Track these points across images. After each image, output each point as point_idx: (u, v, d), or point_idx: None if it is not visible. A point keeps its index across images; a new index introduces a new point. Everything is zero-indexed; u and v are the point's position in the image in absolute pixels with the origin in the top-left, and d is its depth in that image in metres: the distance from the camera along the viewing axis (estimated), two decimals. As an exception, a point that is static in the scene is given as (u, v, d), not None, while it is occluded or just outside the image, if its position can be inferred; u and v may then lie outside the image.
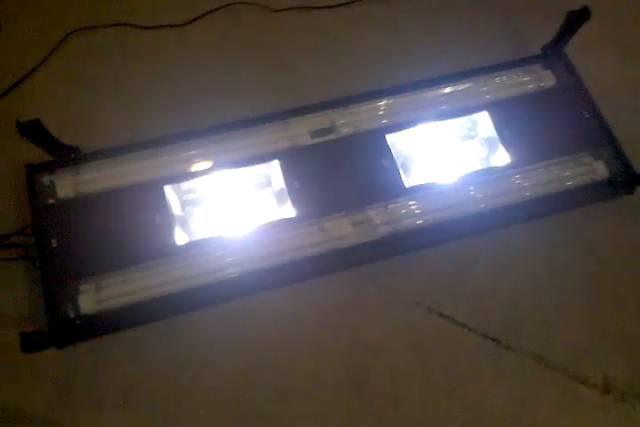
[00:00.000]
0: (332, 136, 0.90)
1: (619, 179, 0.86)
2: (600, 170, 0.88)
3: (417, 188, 0.87)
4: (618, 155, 0.89)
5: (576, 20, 0.89)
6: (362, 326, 0.85)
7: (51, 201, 0.84)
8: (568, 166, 0.89)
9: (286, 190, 0.86)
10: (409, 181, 0.91)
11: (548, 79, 0.94)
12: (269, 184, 0.92)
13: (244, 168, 0.89)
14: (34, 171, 0.85)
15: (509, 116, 0.92)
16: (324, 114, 0.92)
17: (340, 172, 0.88)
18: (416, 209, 0.86)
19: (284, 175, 0.87)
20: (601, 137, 0.90)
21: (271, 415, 0.79)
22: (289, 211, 0.86)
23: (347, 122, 0.91)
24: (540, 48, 0.98)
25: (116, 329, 0.81)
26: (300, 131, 0.90)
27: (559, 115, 0.93)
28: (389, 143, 0.90)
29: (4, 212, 0.89)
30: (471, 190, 0.87)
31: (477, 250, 0.90)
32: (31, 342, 0.73)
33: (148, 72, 1.03)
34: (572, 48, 0.96)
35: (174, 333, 0.83)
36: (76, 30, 1.05)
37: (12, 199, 0.90)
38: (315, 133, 0.90)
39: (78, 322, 0.78)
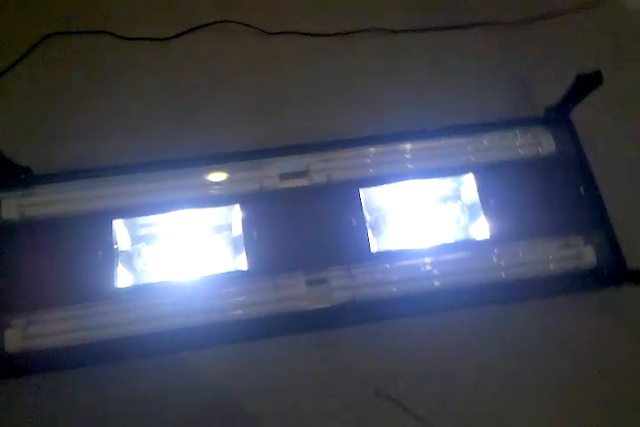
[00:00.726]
0: (303, 181, 0.84)
1: (605, 271, 0.78)
2: (588, 257, 0.79)
3: (385, 254, 0.80)
4: (610, 242, 0.80)
5: (586, 84, 0.81)
6: (301, 397, 0.79)
7: (-10, 225, 0.79)
8: (553, 247, 0.80)
9: (243, 240, 0.80)
10: (378, 244, 0.84)
11: (547, 145, 0.86)
12: (229, 228, 0.86)
13: (203, 209, 0.83)
14: (-23, 190, 0.80)
15: (497, 182, 0.84)
16: (298, 157, 0.85)
17: (305, 224, 0.81)
18: (381, 277, 0.78)
19: (243, 222, 0.81)
20: (595, 219, 0.82)
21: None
22: (242, 263, 0.80)
23: (321, 169, 0.84)
24: (544, 110, 0.90)
25: (37, 371, 0.76)
26: (270, 172, 0.84)
27: (553, 187, 0.84)
28: (363, 199, 0.83)
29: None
30: (444, 263, 0.80)
31: (440, 329, 0.82)
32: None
33: (122, 88, 0.96)
34: (580, 114, 0.88)
35: (96, 383, 0.78)
36: (54, 33, 0.98)
37: None
38: (284, 176, 0.84)
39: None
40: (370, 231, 0.81)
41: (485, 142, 0.86)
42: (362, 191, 0.83)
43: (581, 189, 0.84)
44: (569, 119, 0.88)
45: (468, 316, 0.82)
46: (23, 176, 0.81)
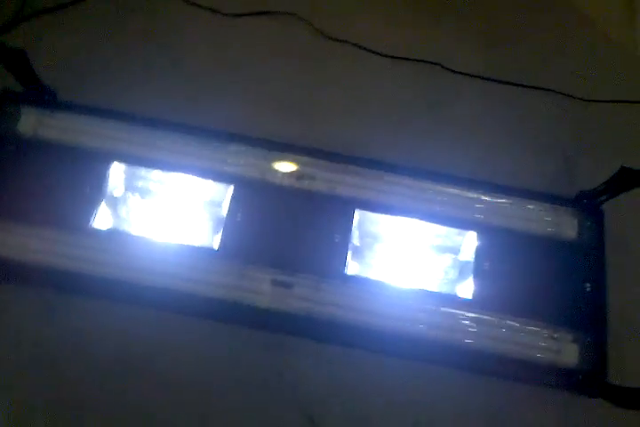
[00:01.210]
0: (305, 184, 0.82)
1: (580, 376, 0.71)
2: (569, 355, 0.72)
3: (357, 279, 0.77)
4: (599, 349, 0.73)
5: (628, 179, 0.75)
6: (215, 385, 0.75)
7: (6, 131, 0.82)
8: (534, 334, 0.74)
9: (224, 220, 0.79)
10: (357, 268, 0.81)
11: (568, 229, 0.81)
12: (219, 206, 0.85)
13: (202, 179, 0.83)
14: (7, 97, 0.83)
15: (500, 250, 0.80)
16: (310, 161, 0.84)
17: (291, 225, 0.79)
18: (346, 301, 0.74)
19: (230, 203, 0.80)
20: (591, 320, 0.75)
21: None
22: (215, 241, 0.78)
23: (327, 178, 0.82)
24: (577, 193, 0.84)
25: None
26: (277, 167, 0.83)
27: (558, 274, 0.79)
28: (356, 219, 0.80)
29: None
30: (415, 309, 0.75)
31: (382, 371, 0.78)
32: None
33: (172, 48, 0.99)
34: (621, 211, 0.83)
35: (42, 305, 0.78)
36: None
37: None
38: (290, 175, 0.82)
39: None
40: (350, 253, 0.79)
41: (504, 206, 0.82)
42: (357, 212, 0.80)
43: (587, 286, 0.78)
44: (600, 210, 0.82)
45: (415, 368, 0.77)
46: (47, 97, 0.84)
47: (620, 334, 0.76)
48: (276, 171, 0.82)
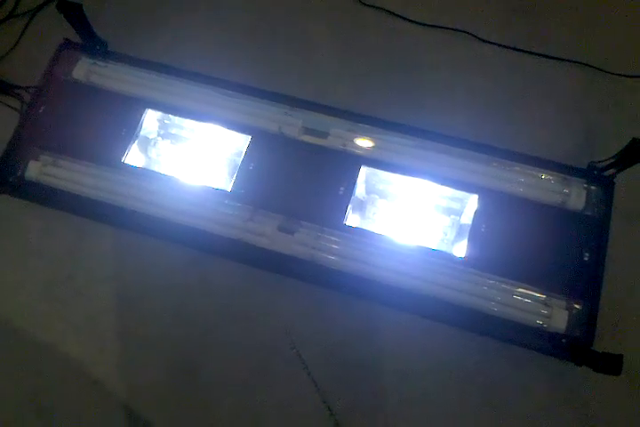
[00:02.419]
0: (319, 141, 0.88)
1: (565, 342, 0.73)
2: (558, 321, 0.74)
3: (355, 230, 0.82)
4: (588, 317, 0.74)
5: (638, 151, 0.75)
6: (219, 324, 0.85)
7: (63, 76, 0.94)
8: (525, 297, 0.76)
9: (238, 166, 0.87)
10: (358, 220, 0.86)
11: (575, 200, 0.81)
12: (239, 155, 0.93)
13: (225, 129, 0.91)
14: (66, 46, 0.95)
15: (501, 214, 0.82)
16: (327, 118, 0.90)
17: (300, 177, 0.86)
18: (344, 250, 0.80)
19: (245, 153, 0.87)
20: (585, 289, 0.76)
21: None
22: (228, 185, 0.86)
23: (341, 137, 0.88)
24: (588, 163, 0.84)
25: (39, 202, 0.89)
26: (295, 122, 0.89)
27: (559, 242, 0.80)
28: (362, 176, 0.86)
29: (21, 68, 1.01)
30: (407, 263, 0.79)
31: (373, 320, 0.83)
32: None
33: (216, 12, 1.06)
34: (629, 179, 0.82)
35: (76, 229, 0.91)
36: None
37: (33, 61, 0.99)
38: (304, 130, 0.88)
39: (11, 179, 0.89)
40: (352, 206, 0.84)
41: (512, 172, 0.83)
42: (364, 169, 0.85)
43: (586, 255, 0.78)
44: (610, 181, 0.82)
45: (404, 319, 0.82)
46: (98, 47, 0.95)
47: (619, 304, 0.76)
48: (292, 125, 0.88)
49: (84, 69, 0.93)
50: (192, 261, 0.88)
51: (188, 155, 0.94)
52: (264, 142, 0.88)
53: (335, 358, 0.82)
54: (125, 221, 0.86)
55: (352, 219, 0.85)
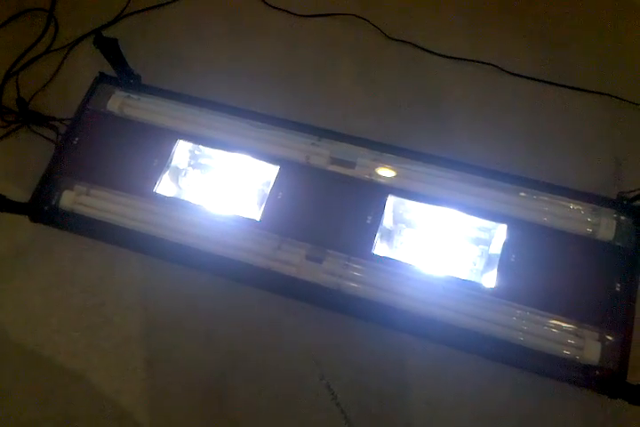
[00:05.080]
0: (346, 171, 0.94)
1: (596, 372, 0.75)
2: (591, 352, 0.76)
3: (383, 259, 0.86)
4: (622, 349, 0.76)
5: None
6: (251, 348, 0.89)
7: (97, 109, 1.02)
8: (556, 328, 0.79)
9: (267, 196, 0.93)
10: (386, 249, 0.91)
11: (605, 231, 0.84)
12: (267, 185, 0.99)
13: (253, 159, 0.98)
14: (102, 79, 1.04)
15: (531, 244, 0.85)
16: (354, 148, 0.95)
17: (328, 206, 0.91)
18: (371, 279, 0.84)
19: (274, 182, 0.93)
20: (617, 320, 0.79)
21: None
22: (258, 214, 0.92)
23: (368, 166, 0.93)
24: (617, 194, 0.88)
25: (72, 230, 0.96)
26: (323, 152, 0.95)
27: (589, 273, 0.83)
28: (389, 205, 0.90)
29: (57, 100, 1.10)
30: (435, 293, 0.83)
31: (402, 351, 0.86)
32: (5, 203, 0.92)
33: (250, 45, 1.16)
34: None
35: (110, 256, 0.97)
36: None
37: (69, 94, 1.09)
38: (331, 160, 0.94)
39: (46, 208, 0.96)
40: (380, 235, 0.89)
41: (542, 202, 0.88)
42: (391, 198, 0.90)
43: (617, 286, 0.81)
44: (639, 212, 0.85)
45: (433, 349, 0.85)
46: (133, 81, 1.03)
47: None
48: (319, 155, 0.95)
49: (118, 102, 1.01)
50: (220, 289, 0.93)
51: (218, 184, 1.00)
52: (292, 172, 0.94)
53: (364, 388, 0.85)
54: (156, 250, 0.92)
55: (379, 248, 0.89)
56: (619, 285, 0.81)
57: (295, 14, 1.19)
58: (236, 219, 0.92)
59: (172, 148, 0.97)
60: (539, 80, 1.08)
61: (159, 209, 0.93)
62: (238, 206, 0.97)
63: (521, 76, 1.09)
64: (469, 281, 0.85)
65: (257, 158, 0.97)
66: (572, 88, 1.07)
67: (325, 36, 1.17)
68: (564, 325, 0.80)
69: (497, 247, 0.87)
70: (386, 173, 0.92)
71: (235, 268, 0.88)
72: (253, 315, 0.91)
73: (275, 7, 1.20)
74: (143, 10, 1.21)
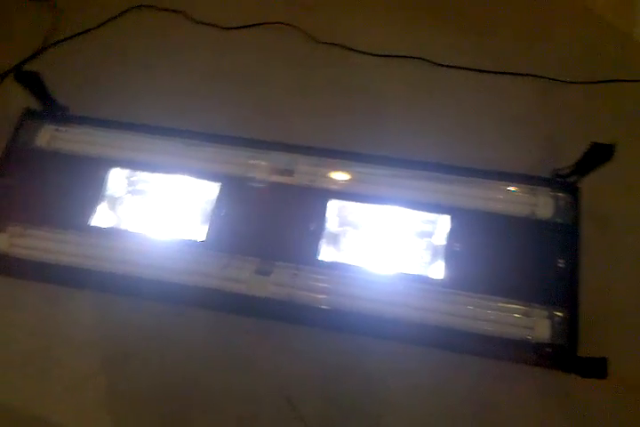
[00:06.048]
0: (287, 180, 0.95)
1: (548, 349, 0.77)
2: (542, 330, 0.78)
3: (330, 264, 0.87)
4: (570, 325, 0.78)
5: (598, 155, 0.81)
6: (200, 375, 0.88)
7: (26, 145, 1.00)
8: (507, 311, 0.81)
9: (210, 215, 0.93)
10: (333, 254, 0.92)
11: (544, 209, 0.87)
12: (210, 203, 0.98)
13: (193, 178, 0.98)
14: (28, 114, 1.03)
15: (474, 231, 0.88)
16: (292, 156, 0.96)
17: (271, 218, 0.91)
18: (321, 285, 0.85)
19: (217, 200, 0.94)
20: (563, 296, 0.81)
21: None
22: (202, 234, 0.92)
23: (308, 173, 0.94)
24: (551, 172, 0.91)
25: (10, 274, 0.94)
26: (261, 164, 0.95)
27: (533, 252, 0.85)
28: (332, 209, 0.91)
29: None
30: (385, 291, 0.84)
31: (359, 352, 0.87)
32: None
33: (175, 63, 1.17)
34: (601, 188, 0.89)
35: (53, 296, 0.95)
36: (139, 6, 1.23)
37: None
38: (270, 171, 0.95)
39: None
40: (325, 240, 0.90)
41: (480, 189, 0.90)
42: (333, 202, 0.91)
43: (561, 262, 0.84)
44: (576, 187, 0.88)
45: (391, 348, 0.85)
46: (60, 113, 1.02)
47: (599, 308, 0.81)
48: (259, 167, 0.95)
49: (47, 136, 1.00)
50: (171, 315, 0.92)
51: (159, 209, 1.00)
52: (233, 188, 0.94)
53: (326, 397, 0.84)
54: (99, 284, 0.90)
55: (327, 253, 0.90)
56: (562, 261, 0.84)
57: (223, 27, 1.20)
58: (179, 242, 0.91)
59: (104, 177, 0.97)
60: (468, 69, 1.11)
61: (97, 241, 0.91)
62: (182, 229, 0.97)
63: (449, 67, 1.12)
64: (417, 275, 0.86)
65: (197, 177, 0.97)
66: (502, 73, 1.11)
67: (254, 46, 1.18)
68: (513, 307, 0.82)
69: (441, 238, 0.89)
70: (326, 177, 0.94)
71: (183, 292, 0.87)
72: (207, 337, 0.90)
73: (202, 22, 1.21)
74: (65, 39, 1.20)
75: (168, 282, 0.88)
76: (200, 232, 0.93)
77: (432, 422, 0.83)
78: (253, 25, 1.19)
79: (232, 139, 0.99)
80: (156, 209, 1.00)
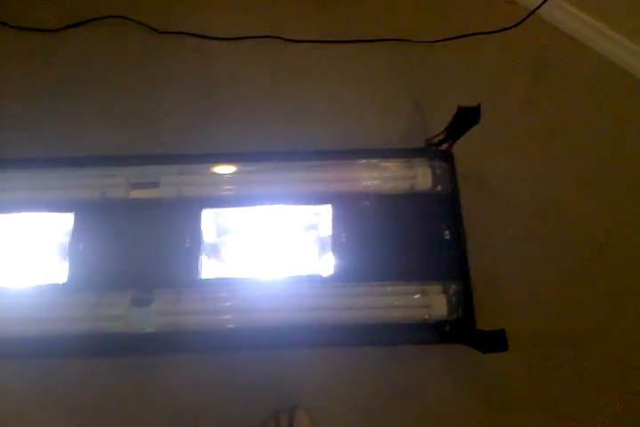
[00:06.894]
0: (151, 193, 0.85)
1: (447, 326, 0.76)
2: (438, 307, 0.76)
3: (215, 281, 0.80)
4: (464, 298, 0.77)
5: (466, 118, 0.80)
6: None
7: None
8: (403, 294, 0.78)
9: (67, 251, 0.83)
10: (216, 269, 0.85)
11: (422, 181, 0.84)
12: (64, 236, 0.87)
13: (42, 213, 0.86)
14: None
15: (356, 216, 0.84)
16: (153, 168, 0.87)
17: (140, 240, 0.83)
18: (208, 307, 0.77)
19: (72, 233, 0.83)
20: (454, 269, 0.80)
21: None
22: (64, 274, 0.82)
23: (173, 183, 0.86)
24: (425, 141, 0.89)
25: None
26: (119, 181, 0.85)
27: (419, 228, 0.83)
28: (207, 220, 0.84)
29: None
30: (280, 297, 0.79)
31: (251, 367, 0.83)
32: None
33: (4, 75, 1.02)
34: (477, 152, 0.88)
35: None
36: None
37: None
38: (134, 186, 0.85)
39: None
40: (205, 255, 0.83)
41: (356, 171, 0.86)
42: (206, 212, 0.84)
43: (446, 234, 0.83)
44: (450, 154, 0.86)
45: (296, 355, 0.82)
46: None
47: (493, 278, 0.81)
48: (116, 186, 0.85)
49: None
50: (43, 372, 0.82)
51: (7, 255, 0.87)
52: (90, 215, 0.84)
53: (238, 419, 0.80)
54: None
55: (209, 268, 0.83)
56: (447, 232, 0.82)
57: (48, 30, 1.05)
58: (37, 288, 0.80)
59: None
60: (325, 41, 1.05)
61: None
62: (39, 273, 0.85)
63: (306, 42, 1.05)
64: (307, 275, 0.82)
65: (44, 211, 0.85)
66: (360, 41, 1.06)
67: (87, 46, 1.05)
68: (409, 288, 0.79)
69: (327, 230, 0.85)
70: (194, 185, 0.86)
71: (49, 344, 0.77)
72: (90, 387, 0.82)
73: (21, 28, 1.05)
74: None
75: (31, 337, 0.77)
76: (61, 272, 0.83)
77: (352, 417, 0.80)
78: (82, 22, 1.06)
79: (78, 159, 0.88)
80: (4, 256, 0.87)
